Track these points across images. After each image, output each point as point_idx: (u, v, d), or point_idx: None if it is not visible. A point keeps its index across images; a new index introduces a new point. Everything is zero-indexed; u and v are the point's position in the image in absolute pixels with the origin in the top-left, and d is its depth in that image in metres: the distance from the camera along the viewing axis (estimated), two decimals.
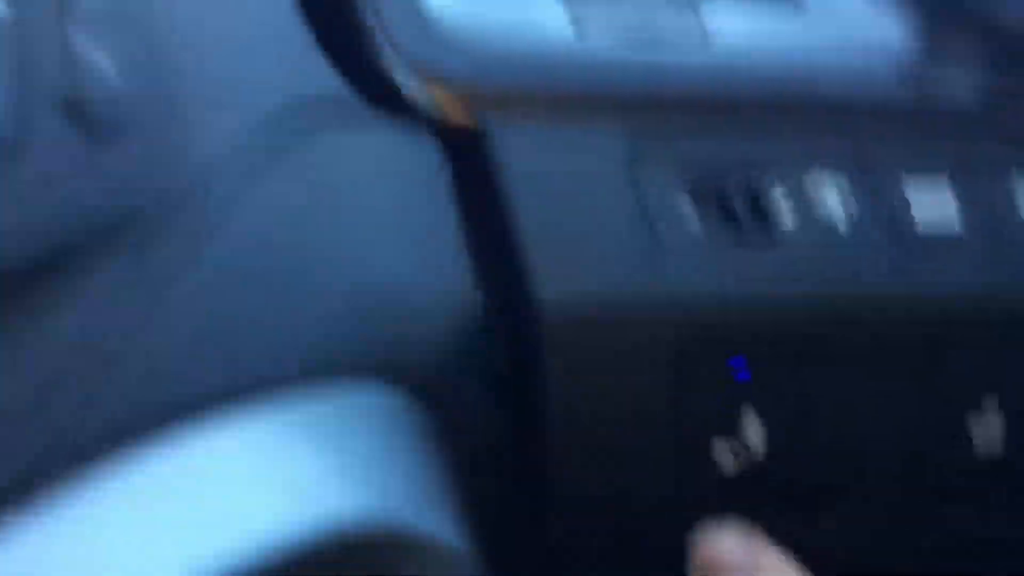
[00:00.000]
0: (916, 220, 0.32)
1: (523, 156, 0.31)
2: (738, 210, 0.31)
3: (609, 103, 0.32)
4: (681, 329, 0.30)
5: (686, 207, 0.31)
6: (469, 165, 0.31)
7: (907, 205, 0.32)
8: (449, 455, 0.29)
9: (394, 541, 0.26)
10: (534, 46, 0.32)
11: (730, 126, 0.33)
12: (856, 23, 0.35)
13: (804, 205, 0.32)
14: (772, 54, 0.34)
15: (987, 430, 0.33)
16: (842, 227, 0.32)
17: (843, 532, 0.34)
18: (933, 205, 0.33)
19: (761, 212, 0.32)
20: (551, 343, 0.30)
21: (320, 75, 0.31)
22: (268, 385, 0.26)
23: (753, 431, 0.31)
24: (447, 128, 0.31)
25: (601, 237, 0.30)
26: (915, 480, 0.33)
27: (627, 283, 0.30)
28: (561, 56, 0.32)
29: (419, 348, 0.29)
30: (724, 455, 0.32)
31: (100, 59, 0.27)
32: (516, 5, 0.33)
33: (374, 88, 0.31)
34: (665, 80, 0.33)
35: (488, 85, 0.32)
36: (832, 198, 0.32)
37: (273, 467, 0.25)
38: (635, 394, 0.30)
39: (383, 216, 0.30)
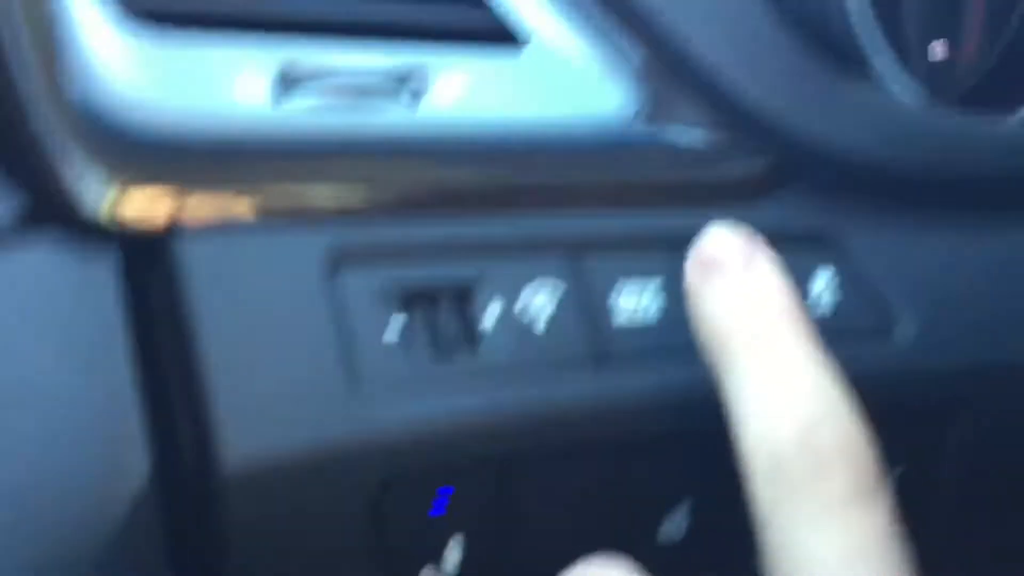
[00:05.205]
0: (614, 312, 0.31)
1: (211, 266, 0.27)
2: (441, 321, 0.29)
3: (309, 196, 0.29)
4: (382, 468, 0.28)
5: (391, 324, 0.29)
6: (148, 282, 0.27)
7: (608, 301, 0.31)
8: None
9: None
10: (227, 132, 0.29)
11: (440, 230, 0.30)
12: (577, 81, 0.33)
13: (508, 312, 0.30)
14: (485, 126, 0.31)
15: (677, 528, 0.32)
16: (541, 327, 0.30)
17: None
18: (635, 302, 0.31)
19: (467, 322, 0.29)
20: (235, 515, 0.27)
21: None
22: None
23: (452, 559, 0.30)
24: (127, 238, 0.27)
25: (295, 369, 0.27)
26: None
27: (324, 427, 0.27)
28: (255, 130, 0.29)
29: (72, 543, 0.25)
30: None
31: None
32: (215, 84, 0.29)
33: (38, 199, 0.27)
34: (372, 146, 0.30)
35: (174, 180, 0.28)
36: (539, 305, 0.30)
37: None
38: (330, 550, 0.28)
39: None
